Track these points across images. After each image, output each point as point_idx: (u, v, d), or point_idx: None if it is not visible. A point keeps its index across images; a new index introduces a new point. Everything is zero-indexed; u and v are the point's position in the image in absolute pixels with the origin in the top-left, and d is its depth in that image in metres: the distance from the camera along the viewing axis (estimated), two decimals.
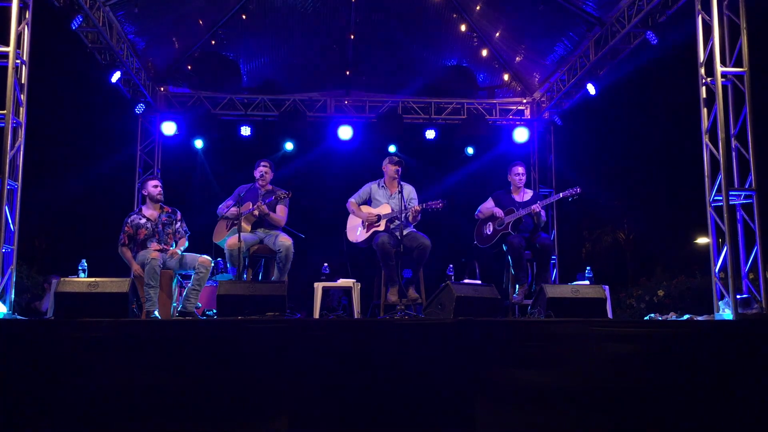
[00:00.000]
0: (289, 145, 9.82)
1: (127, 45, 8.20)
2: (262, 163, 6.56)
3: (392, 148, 9.71)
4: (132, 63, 8.45)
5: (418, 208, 6.17)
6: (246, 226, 6.27)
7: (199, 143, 9.88)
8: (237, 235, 5.96)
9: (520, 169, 6.80)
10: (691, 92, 5.99)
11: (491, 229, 6.68)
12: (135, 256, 6.03)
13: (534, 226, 6.62)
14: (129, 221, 6.13)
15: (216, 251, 6.78)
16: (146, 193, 6.27)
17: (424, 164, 10.09)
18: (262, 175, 6.47)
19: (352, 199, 6.69)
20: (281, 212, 6.42)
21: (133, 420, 4.08)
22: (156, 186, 6.26)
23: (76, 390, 4.11)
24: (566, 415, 4.25)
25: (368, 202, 6.66)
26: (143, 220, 6.14)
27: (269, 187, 6.54)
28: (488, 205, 6.80)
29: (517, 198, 6.74)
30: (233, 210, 6.32)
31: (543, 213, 6.55)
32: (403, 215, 6.15)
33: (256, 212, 6.25)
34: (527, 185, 6.95)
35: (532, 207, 6.46)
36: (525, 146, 10.11)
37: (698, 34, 5.88)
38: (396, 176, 6.44)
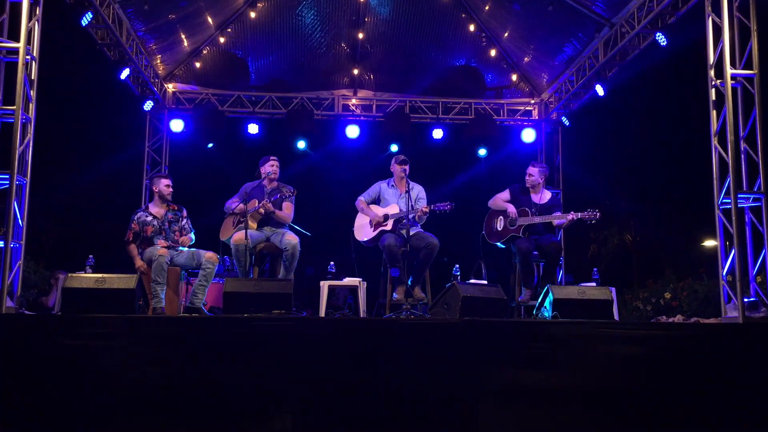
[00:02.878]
0: (301, 144, 9.82)
1: (136, 42, 8.23)
2: (272, 158, 6.56)
3: (395, 148, 9.71)
4: (141, 60, 8.48)
5: (425, 209, 6.17)
6: (252, 223, 6.28)
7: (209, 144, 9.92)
8: (243, 232, 5.98)
9: (532, 170, 6.63)
10: (700, 94, 5.96)
11: (502, 226, 6.57)
12: (142, 252, 6.05)
13: (543, 228, 6.56)
14: (135, 218, 6.15)
15: (223, 249, 6.78)
16: (157, 190, 6.29)
17: (431, 164, 10.08)
18: (269, 171, 6.47)
19: (361, 198, 6.69)
20: (287, 210, 6.43)
21: (139, 416, 4.09)
22: (168, 186, 6.29)
23: (82, 386, 4.13)
24: (571, 416, 4.24)
25: (377, 201, 6.67)
26: (150, 218, 6.16)
27: (275, 184, 6.54)
28: (504, 197, 6.65)
29: (535, 198, 6.58)
30: (240, 207, 6.33)
31: (563, 222, 6.44)
32: (411, 215, 6.15)
33: (262, 210, 6.26)
34: (545, 185, 6.81)
35: (554, 223, 6.38)
36: (532, 147, 10.10)
37: (708, 35, 5.85)
38: (403, 175, 6.44)
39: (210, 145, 9.88)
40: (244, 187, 6.58)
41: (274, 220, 6.37)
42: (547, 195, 6.69)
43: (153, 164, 9.72)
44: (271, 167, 6.50)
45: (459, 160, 10.42)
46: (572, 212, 6.29)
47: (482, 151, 10.05)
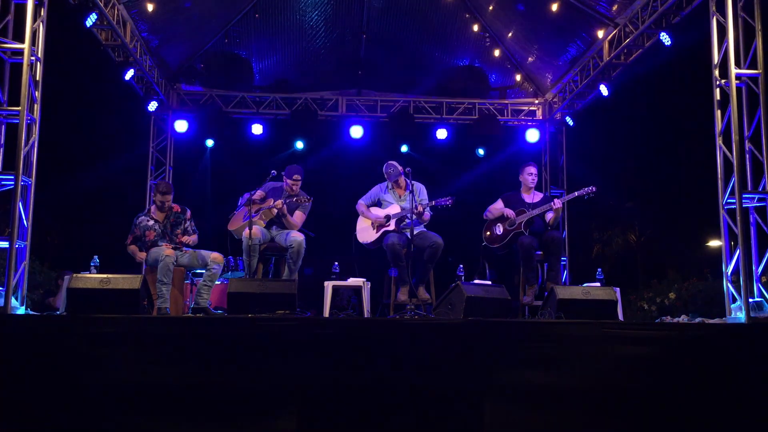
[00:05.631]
0: (299, 144, 9.86)
1: (141, 43, 8.24)
2: (296, 175, 6.46)
3: (404, 148, 9.75)
4: (145, 61, 8.49)
5: (426, 205, 6.20)
6: (261, 222, 6.30)
7: (209, 142, 9.97)
8: (250, 226, 6.00)
9: (533, 170, 6.74)
10: (705, 94, 5.94)
11: (502, 230, 6.63)
12: (147, 254, 6.06)
13: (544, 226, 6.59)
14: (138, 222, 6.16)
15: (231, 242, 6.76)
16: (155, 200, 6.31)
17: (436, 164, 10.09)
18: (291, 186, 6.45)
19: (361, 201, 6.71)
20: (298, 218, 6.43)
21: (144, 416, 4.10)
22: (162, 195, 6.16)
23: (87, 386, 4.14)
24: (576, 416, 4.24)
25: (378, 203, 6.68)
26: (151, 222, 6.16)
27: (296, 190, 6.53)
28: (498, 206, 6.75)
29: (528, 199, 6.69)
30: (259, 194, 6.35)
31: (551, 215, 6.48)
32: (413, 214, 6.15)
33: (275, 210, 6.26)
34: (537, 187, 6.90)
35: (552, 203, 6.39)
36: (536, 147, 10.10)
37: (712, 35, 5.83)
38: (402, 178, 6.50)
39: (210, 143, 9.93)
40: (267, 184, 6.56)
41: (283, 222, 6.39)
42: (538, 195, 6.79)
43: (157, 165, 9.74)
44: (294, 183, 6.45)
45: (463, 160, 10.42)
46: (564, 194, 6.38)
47: (480, 151, 10.09)
